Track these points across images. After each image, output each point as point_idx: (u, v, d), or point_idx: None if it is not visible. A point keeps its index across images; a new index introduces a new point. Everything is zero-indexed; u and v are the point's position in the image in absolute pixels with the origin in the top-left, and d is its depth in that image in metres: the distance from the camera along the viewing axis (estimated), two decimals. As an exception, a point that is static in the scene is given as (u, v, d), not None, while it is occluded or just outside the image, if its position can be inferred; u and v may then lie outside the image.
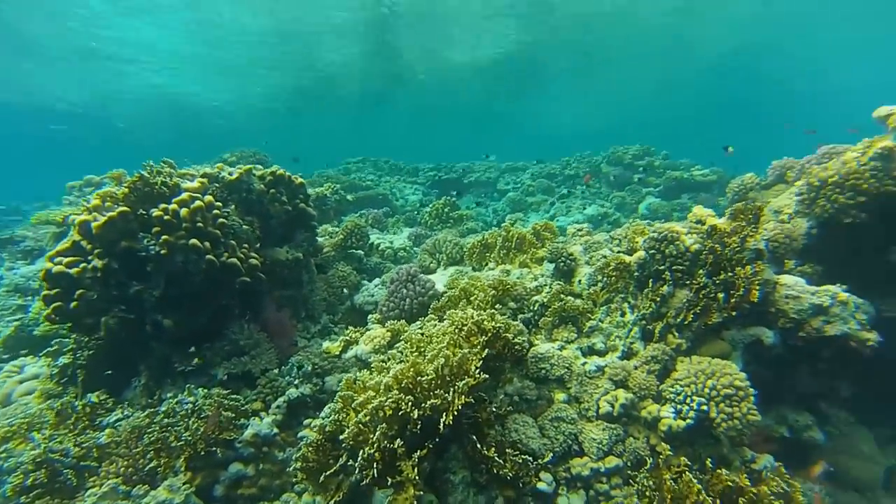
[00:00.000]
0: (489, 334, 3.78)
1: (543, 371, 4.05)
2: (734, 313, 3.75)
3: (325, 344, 4.98)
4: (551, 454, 3.74)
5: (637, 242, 4.10)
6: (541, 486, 3.51)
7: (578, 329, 4.21)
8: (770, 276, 4.21)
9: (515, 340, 3.89)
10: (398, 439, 3.20)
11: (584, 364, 4.03)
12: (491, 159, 16.09)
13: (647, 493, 3.40)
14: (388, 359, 4.23)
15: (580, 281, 4.54)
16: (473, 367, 3.59)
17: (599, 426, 3.83)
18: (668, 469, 3.64)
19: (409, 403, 3.32)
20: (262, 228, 5.12)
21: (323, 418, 3.93)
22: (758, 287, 3.67)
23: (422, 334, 4.40)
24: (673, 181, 12.79)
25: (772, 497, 3.38)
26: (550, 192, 14.25)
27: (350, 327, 5.33)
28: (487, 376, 3.55)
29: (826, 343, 4.11)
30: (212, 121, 39.18)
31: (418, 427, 3.30)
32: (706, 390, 3.50)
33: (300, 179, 5.52)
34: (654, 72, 31.87)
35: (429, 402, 3.31)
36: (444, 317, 4.14)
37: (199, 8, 18.48)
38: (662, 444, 3.69)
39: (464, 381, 3.44)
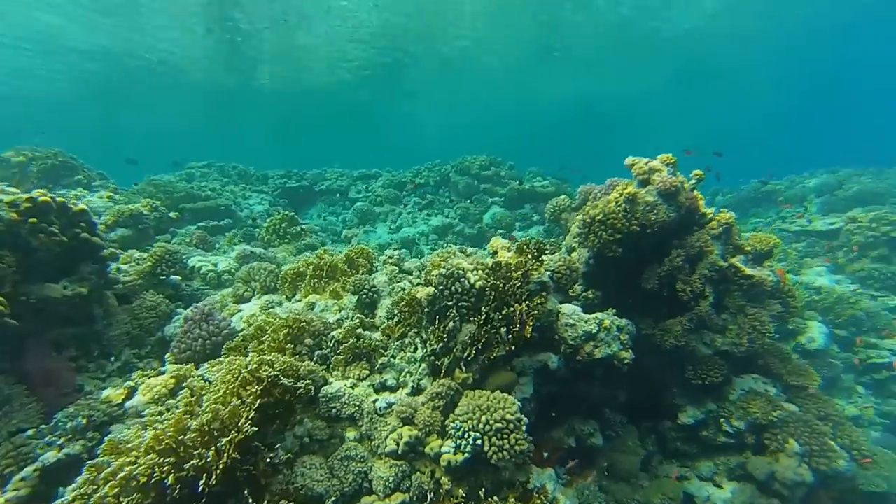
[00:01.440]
0: (265, 383, 3.62)
1: (335, 410, 4.02)
2: (513, 347, 4.02)
3: (106, 392, 4.41)
4: (339, 495, 3.71)
5: (433, 276, 4.22)
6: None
7: (372, 365, 4.23)
8: (554, 307, 4.62)
9: (298, 385, 3.78)
10: (156, 508, 2.95)
11: (375, 401, 4.06)
12: (335, 168, 15.91)
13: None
14: (167, 410, 3.88)
15: (382, 315, 4.58)
16: (244, 420, 3.43)
17: (388, 463, 3.88)
18: (449, 500, 3.82)
19: (167, 468, 3.07)
20: (23, 264, 4.38)
21: (71, 490, 3.46)
22: (532, 323, 3.98)
23: (206, 381, 4.11)
24: (516, 192, 13.44)
25: (533, 512, 3.73)
26: (398, 202, 14.31)
27: (143, 366, 4.81)
28: (257, 429, 3.41)
29: (598, 363, 4.64)
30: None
31: (177, 491, 3.07)
32: (481, 425, 3.70)
33: (81, 206, 4.82)
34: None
35: (191, 464, 3.09)
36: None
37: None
38: (445, 477, 3.85)
39: (228, 438, 3.27)
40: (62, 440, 3.89)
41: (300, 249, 8.85)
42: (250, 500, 3.33)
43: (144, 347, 5.80)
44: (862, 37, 26.92)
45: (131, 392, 4.42)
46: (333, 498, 3.66)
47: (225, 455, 3.20)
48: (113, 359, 5.37)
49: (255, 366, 3.70)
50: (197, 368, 4.47)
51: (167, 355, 4.95)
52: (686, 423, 5.50)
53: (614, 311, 4.87)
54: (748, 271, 4.99)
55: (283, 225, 9.61)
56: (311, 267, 5.46)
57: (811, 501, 5.20)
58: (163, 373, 4.69)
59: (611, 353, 4.55)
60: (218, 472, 3.14)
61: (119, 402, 4.34)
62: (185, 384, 4.05)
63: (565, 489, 4.75)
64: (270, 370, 3.76)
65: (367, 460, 3.90)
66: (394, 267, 5.34)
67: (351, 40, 22.16)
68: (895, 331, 8.59)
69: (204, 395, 3.79)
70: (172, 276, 6.57)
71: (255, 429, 3.39)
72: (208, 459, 3.16)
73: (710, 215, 4.91)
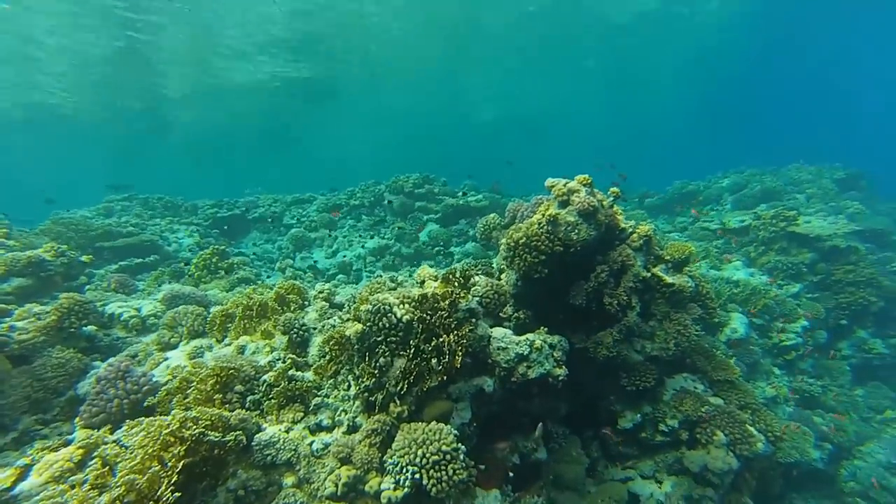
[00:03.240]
0: (190, 441, 3.40)
1: (270, 457, 3.87)
2: (446, 377, 4.01)
3: (-10, 474, 3.88)
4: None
5: (361, 311, 4.15)
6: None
7: (306, 406, 4.08)
8: (485, 332, 4.67)
9: (227, 438, 3.58)
10: None
11: (311, 443, 3.94)
12: (258, 190, 15.57)
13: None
14: (72, 487, 3.51)
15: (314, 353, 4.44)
16: (165, 487, 3.19)
17: (328, 508, 3.74)
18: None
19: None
20: None
21: None
22: (462, 352, 3.99)
23: (122, 447, 3.79)
24: (451, 208, 13.59)
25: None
26: (333, 226, 14.10)
27: (48, 432, 4.34)
28: (180, 494, 3.19)
29: (533, 383, 4.72)
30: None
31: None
32: (418, 459, 3.66)
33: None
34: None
35: (99, 551, 2.81)
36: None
37: None
38: (388, 515, 3.75)
39: (146, 513, 3.02)
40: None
41: (233, 284, 8.46)
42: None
43: (51, 410, 5.30)
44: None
45: (25, 472, 3.91)
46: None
47: (142, 532, 2.95)
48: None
49: (176, 425, 3.46)
50: (113, 433, 4.09)
51: (76, 420, 4.50)
52: (625, 427, 5.71)
53: (546, 329, 4.99)
54: (669, 280, 5.29)
55: (213, 260, 9.13)
56: (240, 308, 5.22)
57: (738, 483, 5.56)
58: (70, 441, 4.24)
59: (544, 372, 4.65)
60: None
61: (7, 486, 3.82)
62: (95, 453, 3.69)
63: (513, 508, 4.75)
64: (195, 427, 3.53)
65: (306, 507, 3.74)
66: (324, 302, 5.20)
67: (267, 53, 21.63)
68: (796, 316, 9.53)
69: (119, 462, 3.48)
70: (87, 327, 6.04)
71: (177, 495, 3.16)
72: (122, 540, 2.90)
73: (630, 229, 5.17)
